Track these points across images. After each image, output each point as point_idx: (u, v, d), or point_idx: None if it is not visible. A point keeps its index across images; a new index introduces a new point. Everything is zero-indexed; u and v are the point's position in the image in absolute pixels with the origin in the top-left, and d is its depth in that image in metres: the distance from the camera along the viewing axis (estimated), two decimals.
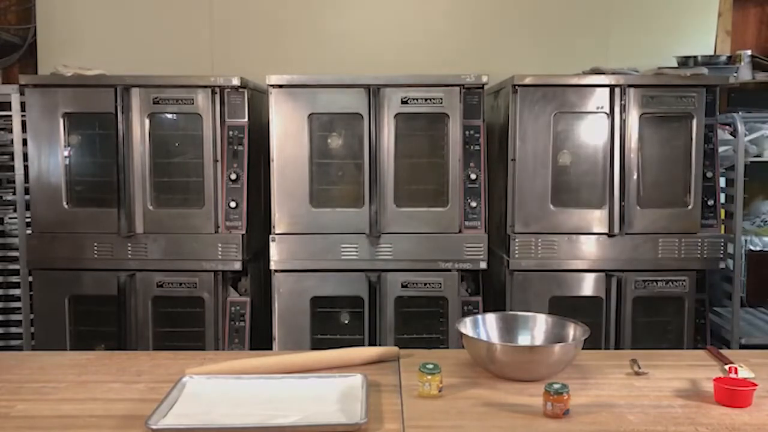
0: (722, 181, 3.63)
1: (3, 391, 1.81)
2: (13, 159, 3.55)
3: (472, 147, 3.28)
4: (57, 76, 3.33)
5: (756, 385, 1.72)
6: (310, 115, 3.25)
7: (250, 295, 3.41)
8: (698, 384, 1.83)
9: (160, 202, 3.35)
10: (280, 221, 3.27)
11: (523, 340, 2.07)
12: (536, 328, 2.09)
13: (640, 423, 1.60)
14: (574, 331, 2.00)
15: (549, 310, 3.18)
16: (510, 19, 4.05)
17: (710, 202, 3.35)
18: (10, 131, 3.55)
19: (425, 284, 3.28)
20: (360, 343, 3.20)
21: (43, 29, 4.05)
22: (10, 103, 3.51)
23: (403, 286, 3.28)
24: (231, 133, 3.30)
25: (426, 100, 3.24)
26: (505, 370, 1.86)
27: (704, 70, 3.45)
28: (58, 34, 4.03)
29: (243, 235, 3.29)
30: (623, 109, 3.23)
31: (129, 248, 3.29)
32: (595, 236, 3.28)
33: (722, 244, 3.31)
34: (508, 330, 2.09)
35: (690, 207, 3.32)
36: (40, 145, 3.31)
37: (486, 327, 2.08)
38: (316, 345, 3.28)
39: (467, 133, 3.27)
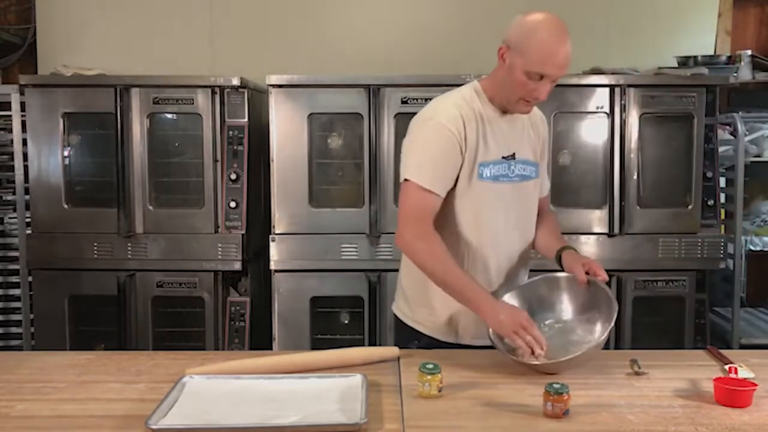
0: (722, 181, 3.62)
1: (3, 391, 1.80)
2: (13, 159, 3.55)
3: None
4: (57, 76, 3.33)
5: (756, 385, 1.72)
6: (310, 115, 3.25)
7: (250, 295, 3.41)
8: (698, 384, 1.82)
9: (160, 202, 3.35)
10: (280, 221, 3.27)
11: (550, 317, 2.04)
12: (561, 301, 2.06)
13: (640, 423, 1.60)
14: (594, 295, 1.98)
15: None
16: (510, 19, 4.03)
17: (710, 202, 3.35)
18: (10, 131, 3.55)
19: None
20: (360, 343, 3.20)
21: (43, 29, 4.05)
22: (10, 103, 3.50)
23: None
24: (231, 133, 3.29)
25: (426, 100, 3.20)
26: (547, 371, 1.88)
27: (704, 70, 3.45)
28: (58, 34, 4.02)
29: (243, 235, 3.29)
30: (623, 109, 3.23)
31: (129, 248, 3.29)
32: (595, 236, 3.28)
33: (722, 244, 3.30)
34: (531, 307, 2.05)
35: (690, 207, 3.32)
36: (40, 145, 3.31)
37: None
38: (316, 345, 3.28)
39: None
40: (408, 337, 2.18)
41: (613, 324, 1.91)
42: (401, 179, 2.04)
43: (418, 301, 2.15)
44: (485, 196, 2.05)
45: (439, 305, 2.10)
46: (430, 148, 2.02)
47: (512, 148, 2.08)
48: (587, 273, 1.99)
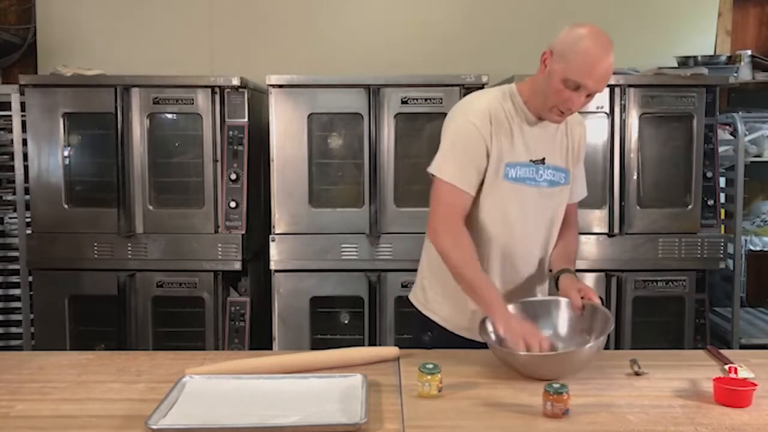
0: (722, 181, 3.63)
1: (3, 391, 1.81)
2: (13, 159, 3.55)
3: None
4: (57, 76, 3.33)
5: (756, 385, 1.72)
6: (310, 115, 3.25)
7: (250, 295, 3.41)
8: (698, 384, 1.83)
9: (160, 202, 3.35)
10: (280, 221, 3.27)
11: (547, 331, 2.04)
12: (558, 315, 2.07)
13: (640, 423, 1.60)
14: (593, 320, 1.98)
15: None
16: (510, 19, 4.04)
17: (710, 202, 3.35)
18: (10, 131, 3.55)
19: None
20: (360, 343, 3.20)
21: (43, 29, 4.05)
22: (10, 103, 3.51)
23: (403, 286, 3.27)
24: (231, 133, 3.29)
25: (426, 100, 3.24)
26: (535, 374, 1.86)
27: (704, 70, 3.45)
28: (58, 34, 4.03)
29: (243, 235, 3.29)
30: (623, 109, 3.23)
31: (129, 248, 3.29)
32: (595, 236, 3.28)
33: (722, 244, 3.31)
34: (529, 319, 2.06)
35: (690, 207, 3.32)
36: (40, 145, 3.31)
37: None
38: (316, 345, 3.29)
39: None
40: (421, 327, 2.22)
41: (608, 332, 1.90)
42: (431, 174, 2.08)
43: (437, 291, 2.19)
44: (510, 197, 2.07)
45: (458, 298, 2.12)
46: (455, 144, 2.05)
47: (542, 152, 2.09)
48: (582, 298, 2.02)
